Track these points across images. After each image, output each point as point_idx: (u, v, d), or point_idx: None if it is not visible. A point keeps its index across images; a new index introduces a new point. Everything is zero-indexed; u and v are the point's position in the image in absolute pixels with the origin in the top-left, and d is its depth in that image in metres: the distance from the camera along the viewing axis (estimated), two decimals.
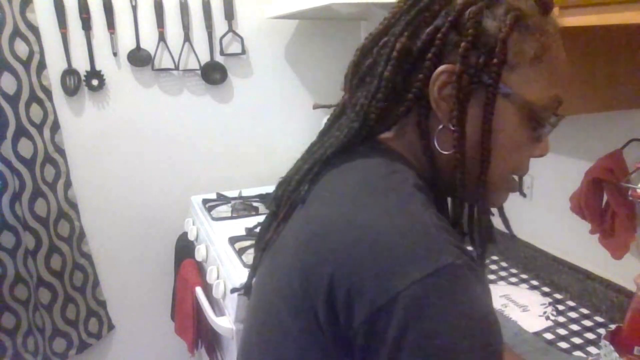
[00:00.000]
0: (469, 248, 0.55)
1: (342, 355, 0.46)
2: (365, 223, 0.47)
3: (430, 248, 0.44)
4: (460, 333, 0.42)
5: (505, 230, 0.63)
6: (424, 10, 0.54)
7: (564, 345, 1.05)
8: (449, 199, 0.64)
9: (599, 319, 1.14)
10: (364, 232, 0.46)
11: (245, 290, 0.70)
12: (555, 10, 0.76)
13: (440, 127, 0.54)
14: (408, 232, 0.45)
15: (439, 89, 0.53)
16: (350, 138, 0.56)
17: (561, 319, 1.15)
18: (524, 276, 1.36)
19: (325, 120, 0.66)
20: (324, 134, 0.64)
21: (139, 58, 1.69)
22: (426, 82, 0.53)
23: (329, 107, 0.72)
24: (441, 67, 0.52)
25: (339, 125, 0.60)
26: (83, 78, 1.64)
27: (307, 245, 0.50)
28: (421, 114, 0.55)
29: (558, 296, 1.25)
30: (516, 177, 0.61)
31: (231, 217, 1.65)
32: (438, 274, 0.42)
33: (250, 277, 0.68)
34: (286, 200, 0.59)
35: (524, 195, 0.67)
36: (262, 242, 0.63)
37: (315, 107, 0.78)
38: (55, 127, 1.60)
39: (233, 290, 1.16)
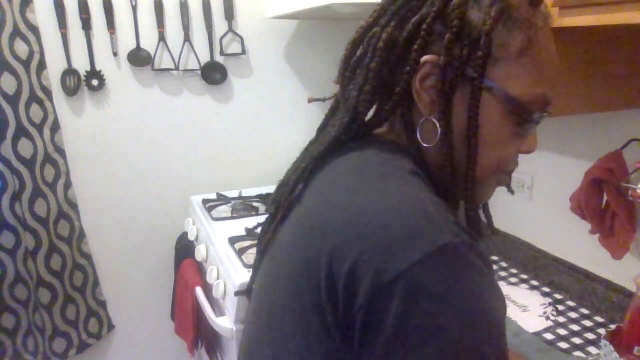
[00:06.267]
0: None
1: (342, 343, 0.46)
2: (361, 206, 0.46)
3: (428, 226, 0.44)
4: (460, 313, 0.42)
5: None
6: (411, 0, 0.53)
7: (564, 345, 1.05)
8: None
9: (599, 319, 1.14)
10: (361, 215, 0.46)
11: (247, 292, 0.69)
12: (555, 10, 0.76)
13: (423, 119, 0.53)
14: (405, 212, 0.45)
15: (420, 80, 0.52)
16: (341, 133, 0.55)
17: (561, 319, 1.15)
18: (524, 276, 1.36)
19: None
20: (320, 130, 0.63)
21: (139, 58, 1.69)
22: (412, 74, 0.52)
23: (323, 100, 0.71)
24: (424, 57, 0.51)
25: (334, 120, 0.59)
26: (83, 78, 1.64)
27: (305, 236, 0.50)
28: (404, 106, 0.54)
29: (558, 296, 1.25)
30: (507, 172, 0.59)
31: (231, 217, 1.65)
32: (437, 254, 0.42)
33: (252, 279, 0.67)
34: (284, 201, 0.58)
35: (512, 192, 0.65)
36: (262, 244, 0.63)
37: (310, 100, 0.77)
38: (55, 127, 1.60)
39: (237, 293, 1.16)
